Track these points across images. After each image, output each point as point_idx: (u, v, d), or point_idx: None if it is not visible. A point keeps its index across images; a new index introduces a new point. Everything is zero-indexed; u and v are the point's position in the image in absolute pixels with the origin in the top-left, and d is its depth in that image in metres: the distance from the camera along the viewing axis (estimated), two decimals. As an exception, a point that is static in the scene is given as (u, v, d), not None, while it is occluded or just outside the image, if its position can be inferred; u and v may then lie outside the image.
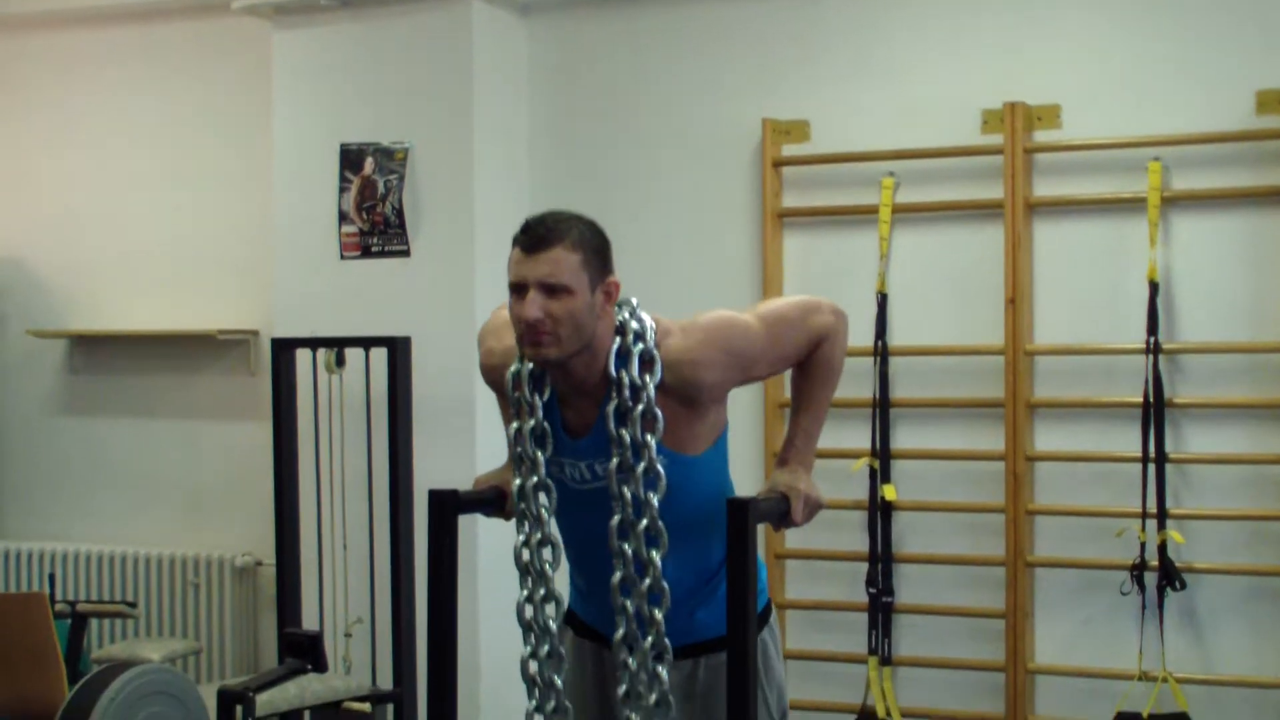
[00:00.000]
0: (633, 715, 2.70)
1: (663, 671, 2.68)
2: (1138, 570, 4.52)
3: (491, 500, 2.86)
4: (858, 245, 4.94)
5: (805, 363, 2.83)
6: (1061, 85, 4.73)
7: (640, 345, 2.66)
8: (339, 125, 5.39)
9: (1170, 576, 4.49)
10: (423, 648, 2.91)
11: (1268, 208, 4.49)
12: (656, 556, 2.66)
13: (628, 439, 2.64)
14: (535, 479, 2.74)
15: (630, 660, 2.70)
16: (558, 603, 2.79)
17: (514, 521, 2.81)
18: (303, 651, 4.18)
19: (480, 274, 5.14)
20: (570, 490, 2.77)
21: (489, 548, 4.93)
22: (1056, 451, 4.74)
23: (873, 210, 4.90)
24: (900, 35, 4.96)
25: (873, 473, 4.86)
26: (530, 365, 2.73)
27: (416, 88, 5.30)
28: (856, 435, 4.86)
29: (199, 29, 5.89)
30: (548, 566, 2.77)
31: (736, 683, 2.53)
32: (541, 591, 2.77)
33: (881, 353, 4.86)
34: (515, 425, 2.75)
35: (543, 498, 2.74)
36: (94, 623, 5.58)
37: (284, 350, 5.17)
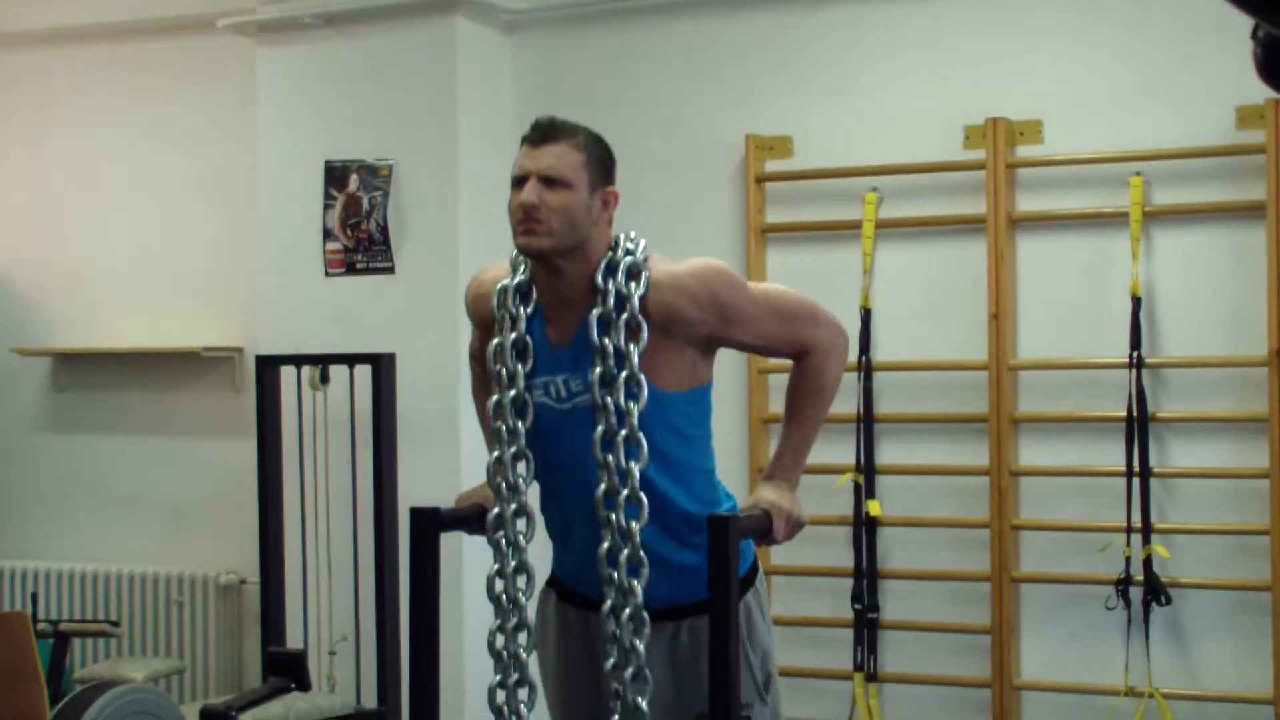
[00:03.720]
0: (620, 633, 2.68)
1: (638, 585, 2.66)
2: (1123, 585, 4.53)
3: (474, 518, 2.85)
4: (841, 260, 4.95)
5: (797, 375, 2.83)
6: (1043, 101, 4.74)
7: (629, 259, 2.71)
8: (323, 142, 5.38)
9: (1156, 591, 4.49)
10: (407, 666, 2.92)
11: (1248, 222, 4.50)
12: (635, 468, 2.65)
13: (610, 347, 2.66)
14: (514, 393, 2.74)
15: (614, 573, 2.67)
16: (529, 576, 2.78)
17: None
18: (287, 670, 4.16)
19: (464, 289, 5.13)
20: (546, 415, 2.75)
21: (474, 564, 4.91)
22: (1041, 466, 4.74)
23: (856, 226, 4.91)
24: (883, 51, 4.97)
25: (857, 488, 4.86)
26: (518, 279, 2.77)
27: (401, 105, 5.31)
28: (841, 451, 4.86)
29: (184, 46, 5.88)
30: (521, 537, 2.76)
31: (718, 696, 2.52)
32: (513, 564, 2.76)
33: (865, 368, 4.86)
34: (496, 340, 2.77)
35: (520, 423, 2.73)
36: (76, 642, 5.54)
37: (268, 367, 5.16)
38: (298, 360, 5.16)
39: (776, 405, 4.85)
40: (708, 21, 5.18)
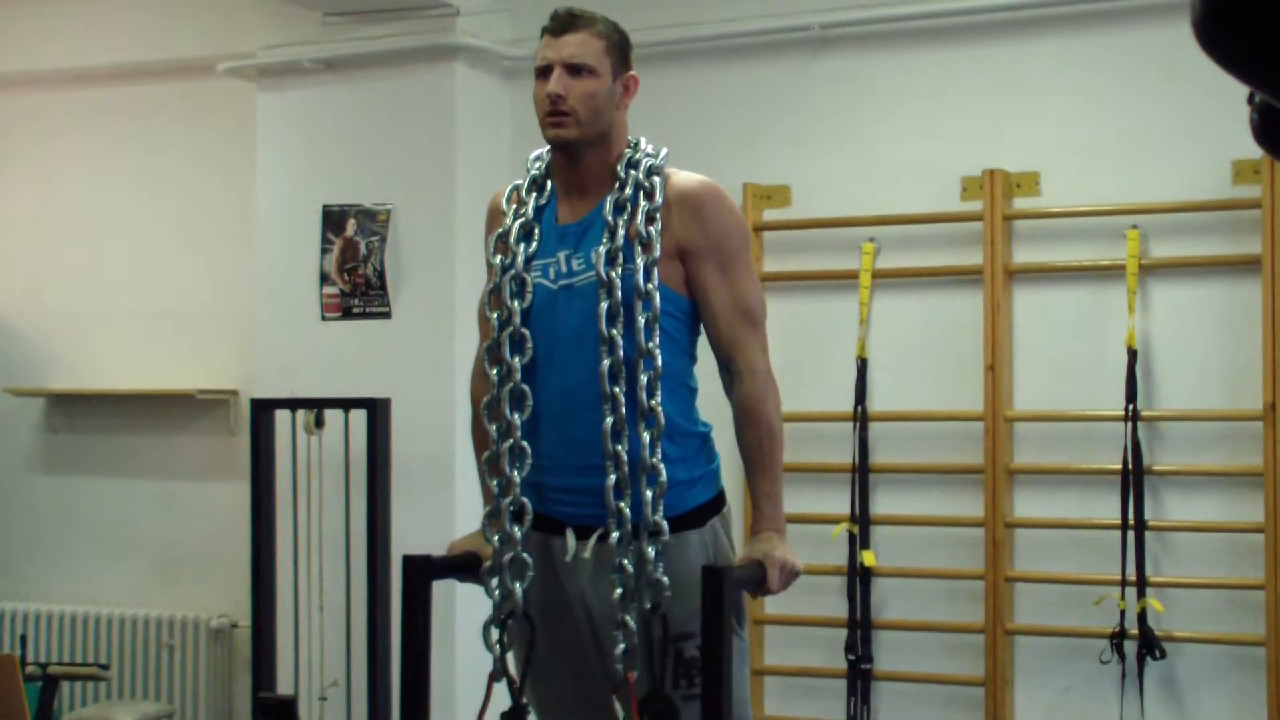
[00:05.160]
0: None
1: (657, 462, 2.64)
2: (1117, 638, 4.51)
3: (466, 566, 2.84)
4: (838, 310, 4.95)
5: (739, 415, 2.82)
6: (1041, 153, 4.76)
7: (650, 160, 2.79)
8: (321, 186, 5.40)
9: (1150, 645, 4.47)
10: (398, 712, 2.90)
11: (1243, 276, 4.51)
12: (654, 347, 2.66)
13: (622, 229, 2.70)
14: (513, 271, 2.76)
15: (619, 448, 2.65)
16: (523, 454, 2.74)
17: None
18: (277, 715, 4.15)
19: (461, 336, 5.14)
20: (538, 295, 2.76)
21: (466, 609, 4.89)
22: (1036, 518, 4.73)
23: (853, 275, 4.92)
24: (881, 102, 4.99)
25: (852, 538, 4.84)
26: (534, 172, 2.84)
27: (400, 150, 5.32)
28: (836, 500, 4.85)
29: (184, 90, 5.91)
30: (517, 416, 2.74)
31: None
32: (508, 444, 2.73)
33: (861, 418, 4.86)
34: (499, 230, 2.82)
35: (517, 303, 2.75)
36: (65, 685, 5.52)
37: (263, 411, 5.16)
38: (293, 404, 5.15)
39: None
40: (706, 70, 5.20)
